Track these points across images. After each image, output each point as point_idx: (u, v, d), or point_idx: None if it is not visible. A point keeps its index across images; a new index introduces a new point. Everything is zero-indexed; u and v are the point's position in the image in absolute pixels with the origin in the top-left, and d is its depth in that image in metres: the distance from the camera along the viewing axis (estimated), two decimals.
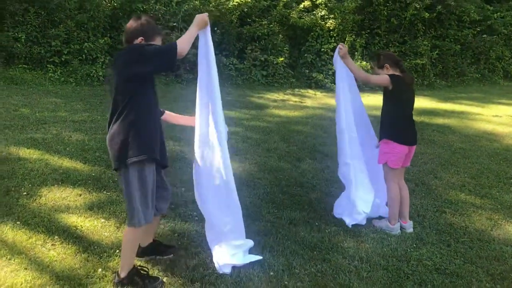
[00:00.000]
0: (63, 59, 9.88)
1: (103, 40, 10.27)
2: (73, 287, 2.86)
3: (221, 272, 3.11)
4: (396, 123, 3.92)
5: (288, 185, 4.90)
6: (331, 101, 10.35)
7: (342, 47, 3.96)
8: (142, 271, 2.98)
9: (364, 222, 4.05)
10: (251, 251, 3.39)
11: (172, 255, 3.25)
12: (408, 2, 13.22)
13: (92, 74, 9.77)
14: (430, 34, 13.85)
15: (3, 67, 9.29)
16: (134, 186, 2.75)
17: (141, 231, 2.90)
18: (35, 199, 4.03)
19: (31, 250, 3.24)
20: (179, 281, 3.00)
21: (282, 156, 5.87)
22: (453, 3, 13.93)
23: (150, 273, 3.03)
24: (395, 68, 3.92)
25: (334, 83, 11.80)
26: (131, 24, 2.92)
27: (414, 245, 3.76)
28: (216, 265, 3.16)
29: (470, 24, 14.51)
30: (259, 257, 3.33)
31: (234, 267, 3.17)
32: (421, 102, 10.48)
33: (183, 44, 2.77)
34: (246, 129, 7.24)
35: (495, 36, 14.80)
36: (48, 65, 9.72)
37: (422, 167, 5.77)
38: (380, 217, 4.17)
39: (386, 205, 4.15)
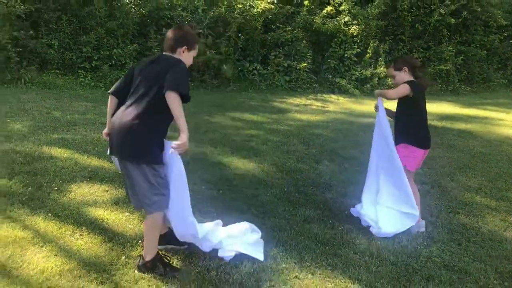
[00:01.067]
0: (93, 64, 10.31)
1: (132, 47, 10.67)
2: (98, 273, 3.08)
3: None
4: (415, 128, 4.05)
5: (304, 185, 5.06)
6: (353, 106, 10.46)
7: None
8: (165, 259, 3.20)
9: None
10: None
11: (186, 245, 3.42)
12: (432, 8, 13.19)
13: None
14: (455, 40, 13.76)
15: (38, 73, 9.74)
16: (150, 178, 2.98)
17: (161, 217, 3.13)
18: (65, 194, 4.32)
19: (61, 239, 3.50)
20: (196, 270, 3.20)
21: (300, 158, 6.03)
22: (479, 8, 13.82)
23: (171, 262, 3.24)
24: (411, 73, 4.05)
25: (357, 88, 11.89)
26: (175, 32, 3.14)
27: (425, 243, 3.87)
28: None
29: (497, 29, 14.33)
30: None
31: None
32: (443, 108, 10.48)
33: (179, 104, 2.87)
34: (266, 132, 7.43)
35: None
36: (79, 71, 10.17)
37: (439, 170, 5.84)
38: None
39: None
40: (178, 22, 11.26)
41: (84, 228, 3.68)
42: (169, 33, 3.16)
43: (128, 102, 3.03)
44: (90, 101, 8.63)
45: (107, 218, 3.89)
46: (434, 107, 10.06)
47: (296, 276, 3.24)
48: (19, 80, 9.30)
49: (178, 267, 3.24)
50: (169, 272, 3.12)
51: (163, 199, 3.06)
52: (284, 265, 3.36)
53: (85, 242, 3.48)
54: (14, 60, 9.34)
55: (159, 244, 3.30)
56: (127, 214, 3.98)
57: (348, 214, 4.33)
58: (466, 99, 12.26)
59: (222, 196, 4.59)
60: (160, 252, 3.23)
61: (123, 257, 3.29)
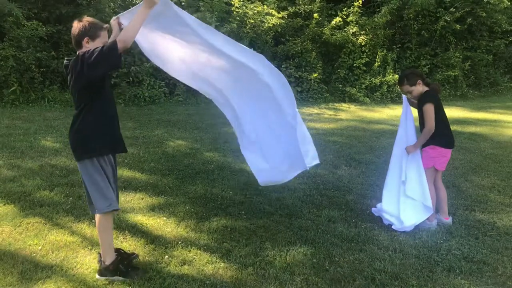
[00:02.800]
0: (112, 82, 10.68)
1: (148, 64, 11.03)
2: (145, 271, 3.37)
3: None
4: (441, 130, 4.34)
5: (326, 188, 5.33)
6: (365, 114, 10.74)
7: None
8: (124, 260, 3.28)
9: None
10: None
11: (135, 260, 3.43)
12: (438, 15, 13.50)
13: (139, 95, 10.54)
14: (461, 46, 14.05)
15: (59, 91, 10.14)
16: (95, 175, 3.12)
17: (112, 216, 3.27)
18: None
19: None
20: (235, 266, 3.48)
21: (319, 164, 6.30)
22: (484, 14, 14.11)
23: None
24: (423, 82, 4.36)
25: (367, 96, 12.16)
26: (75, 27, 3.10)
27: (444, 238, 4.12)
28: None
29: (502, 34, 14.64)
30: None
31: None
32: (453, 112, 10.72)
33: (126, 34, 2.89)
34: None
35: None
36: None
37: (453, 171, 6.08)
38: None
39: None
40: None
41: (126, 232, 3.98)
42: (72, 30, 3.12)
43: None
44: None
45: (146, 223, 4.19)
46: None
47: (326, 270, 3.50)
48: (43, 99, 9.70)
49: (139, 266, 3.33)
50: (130, 272, 3.23)
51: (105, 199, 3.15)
52: (314, 260, 3.63)
53: (129, 244, 3.77)
54: (38, 80, 9.76)
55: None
56: (164, 218, 4.28)
57: (369, 214, 4.60)
58: (474, 104, 12.50)
59: (249, 200, 4.87)
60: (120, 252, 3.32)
61: (166, 256, 3.58)
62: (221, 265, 3.48)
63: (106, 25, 3.21)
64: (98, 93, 3.10)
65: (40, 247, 3.55)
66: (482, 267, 3.64)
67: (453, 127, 8.78)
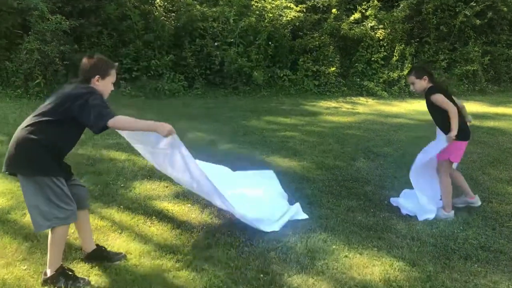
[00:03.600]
0: (133, 75, 10.91)
1: (168, 57, 11.23)
2: (173, 254, 3.54)
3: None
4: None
5: (344, 180, 5.44)
6: (383, 108, 10.78)
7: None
8: (69, 272, 3.11)
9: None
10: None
11: (121, 260, 3.40)
12: (457, 10, 13.42)
13: (159, 88, 10.74)
14: (481, 40, 13.93)
15: None
16: (46, 192, 2.93)
17: (66, 229, 3.08)
18: (131, 190, 4.81)
19: (135, 227, 3.98)
20: (257, 250, 3.63)
21: (337, 156, 6.42)
22: (505, 8, 13.98)
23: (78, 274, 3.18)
24: (430, 80, 4.44)
25: (385, 91, 12.17)
26: (85, 63, 3.07)
27: (461, 228, 4.21)
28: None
29: None
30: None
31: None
32: (471, 107, 10.66)
33: (123, 122, 3.01)
34: (302, 133, 7.84)
35: None
36: (120, 81, 10.76)
37: (470, 164, 6.14)
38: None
39: (440, 198, 4.63)
40: (210, 32, 11.80)
41: (153, 217, 4.16)
42: (81, 64, 3.10)
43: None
44: (134, 109, 9.15)
45: (171, 209, 4.36)
46: None
47: (346, 256, 3.63)
48: None
49: (84, 277, 3.16)
50: (70, 285, 3.03)
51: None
52: (334, 247, 3.76)
53: (156, 229, 3.95)
54: (61, 73, 10.00)
55: (91, 260, 3.36)
56: (188, 205, 4.45)
57: (387, 204, 4.71)
58: (493, 98, 12.44)
59: None
60: (63, 265, 3.14)
61: (192, 240, 3.75)
62: (244, 249, 3.64)
63: (116, 64, 3.24)
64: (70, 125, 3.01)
65: (72, 231, 3.74)
66: (499, 256, 3.73)
67: (471, 122, 8.86)
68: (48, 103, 3.01)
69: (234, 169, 5.10)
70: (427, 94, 4.40)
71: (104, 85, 3.12)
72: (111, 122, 2.90)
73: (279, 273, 3.34)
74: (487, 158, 6.51)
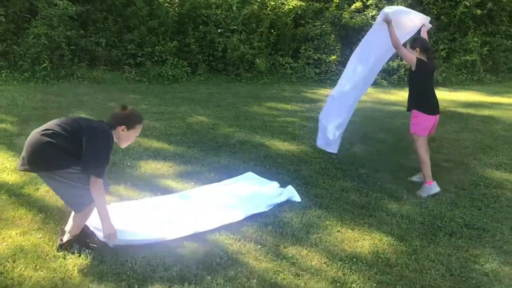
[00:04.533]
0: (137, 61, 11.12)
1: (172, 44, 11.42)
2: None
3: None
4: (421, 98, 4.79)
5: (340, 163, 5.69)
6: (381, 95, 11.00)
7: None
8: (85, 239, 3.38)
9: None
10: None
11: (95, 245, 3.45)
12: (458, 0, 13.56)
13: (162, 74, 10.95)
14: (480, 31, 14.10)
15: (87, 69, 10.61)
16: (70, 180, 3.14)
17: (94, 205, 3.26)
18: (137, 169, 5.07)
19: None
20: (256, 225, 3.89)
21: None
22: None
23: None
24: (423, 53, 4.68)
25: (384, 79, 12.36)
26: (119, 112, 3.30)
27: (449, 208, 4.47)
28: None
29: None
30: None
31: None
32: (468, 96, 10.91)
33: (97, 191, 3.11)
34: (301, 119, 8.08)
35: None
36: (124, 66, 10.99)
37: (463, 150, 6.39)
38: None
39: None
40: (213, 19, 11.98)
41: (158, 194, 4.41)
42: (115, 111, 3.32)
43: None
44: (138, 94, 9.42)
45: (176, 187, 4.62)
46: (459, 96, 10.53)
47: (338, 231, 3.90)
48: (72, 76, 10.15)
49: (93, 245, 3.39)
50: (83, 250, 3.27)
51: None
52: (327, 222, 4.02)
53: None
54: (67, 58, 10.21)
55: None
56: (192, 183, 4.71)
57: (380, 185, 4.96)
58: (491, 88, 12.64)
59: (268, 170, 5.26)
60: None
61: None
62: (244, 223, 3.90)
63: (144, 120, 3.45)
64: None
65: None
66: (482, 233, 3.99)
67: (467, 110, 9.13)
68: (69, 122, 3.19)
69: (233, 157, 5.32)
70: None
71: (127, 136, 3.34)
72: (93, 180, 3.09)
73: (276, 244, 3.60)
74: (479, 144, 6.76)
